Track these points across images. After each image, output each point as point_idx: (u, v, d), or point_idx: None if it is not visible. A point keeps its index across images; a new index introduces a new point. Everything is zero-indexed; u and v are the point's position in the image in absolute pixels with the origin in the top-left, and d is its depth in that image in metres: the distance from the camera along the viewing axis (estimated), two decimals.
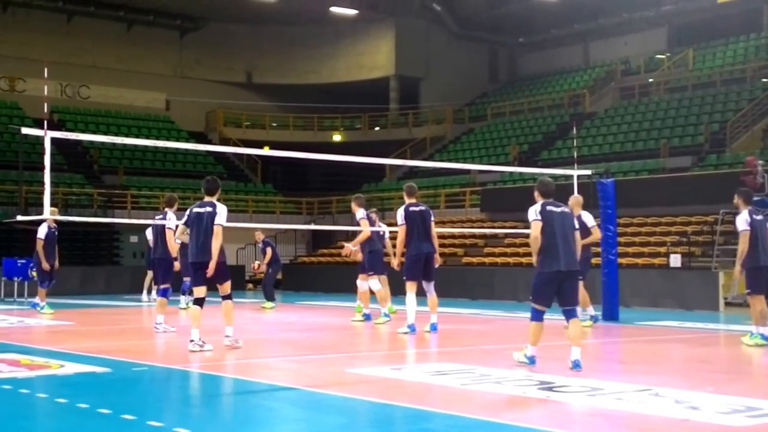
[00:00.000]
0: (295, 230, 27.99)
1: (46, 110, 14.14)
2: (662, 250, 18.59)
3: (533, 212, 7.78)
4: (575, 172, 13.41)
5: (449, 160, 29.52)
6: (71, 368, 8.00)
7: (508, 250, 21.69)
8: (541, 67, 36.92)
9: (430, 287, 11.34)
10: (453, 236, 23.52)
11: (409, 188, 11.38)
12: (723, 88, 28.06)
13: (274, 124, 35.86)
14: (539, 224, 7.68)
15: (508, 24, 35.75)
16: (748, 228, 9.82)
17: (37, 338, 11.31)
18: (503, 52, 38.32)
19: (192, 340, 9.16)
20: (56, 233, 15.17)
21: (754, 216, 9.96)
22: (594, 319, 12.29)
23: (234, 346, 9.34)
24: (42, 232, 14.85)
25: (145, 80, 33.93)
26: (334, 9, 33.46)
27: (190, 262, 9.36)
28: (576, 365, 7.66)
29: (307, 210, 30.84)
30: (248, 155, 31.80)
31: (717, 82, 28.59)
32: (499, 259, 21.33)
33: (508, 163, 27.69)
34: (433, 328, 11.29)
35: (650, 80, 30.96)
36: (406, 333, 11.17)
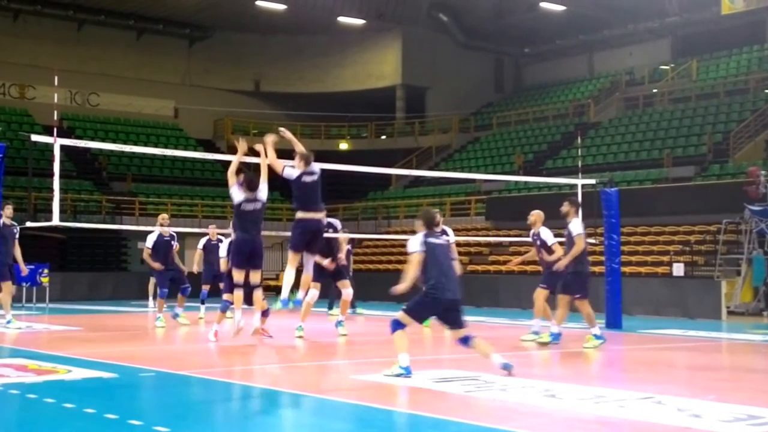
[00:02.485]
0: None
1: (55, 117, 14.24)
2: (665, 259, 18.65)
3: (415, 243, 7.88)
4: (579, 182, 13.48)
5: (455, 169, 29.60)
6: (78, 373, 8.06)
7: (513, 258, 21.67)
8: (546, 77, 36.99)
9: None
10: (458, 244, 23.51)
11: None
12: (726, 98, 28.10)
13: None
14: (420, 256, 7.80)
15: (513, 34, 35.81)
16: (583, 232, 10.69)
17: (45, 343, 11.36)
18: (509, 62, 38.39)
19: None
20: (171, 241, 14.16)
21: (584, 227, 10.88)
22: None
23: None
24: (150, 241, 13.99)
25: (154, 88, 34.07)
26: (341, 19, 33.59)
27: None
28: (506, 366, 7.87)
29: None
30: (256, 163, 31.83)
31: (720, 92, 28.63)
32: (503, 267, 21.36)
33: (513, 172, 27.75)
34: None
35: (654, 91, 31.01)
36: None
